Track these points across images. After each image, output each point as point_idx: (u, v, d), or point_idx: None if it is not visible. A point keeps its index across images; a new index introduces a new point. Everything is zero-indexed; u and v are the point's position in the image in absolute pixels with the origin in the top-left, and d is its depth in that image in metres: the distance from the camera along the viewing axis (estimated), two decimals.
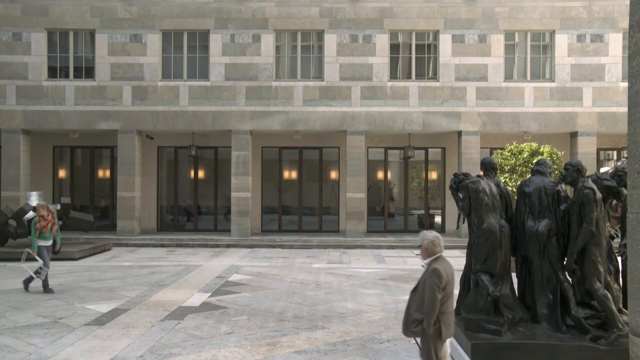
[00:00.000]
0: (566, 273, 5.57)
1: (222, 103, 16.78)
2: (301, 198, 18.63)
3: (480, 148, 16.80)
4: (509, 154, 12.95)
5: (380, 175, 18.88)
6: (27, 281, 9.33)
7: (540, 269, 5.65)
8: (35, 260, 9.61)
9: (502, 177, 12.47)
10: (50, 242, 9.47)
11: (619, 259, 5.69)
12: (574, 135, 16.85)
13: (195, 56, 17.08)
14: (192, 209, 18.92)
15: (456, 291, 7.05)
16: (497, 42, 16.66)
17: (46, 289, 9.23)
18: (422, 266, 4.32)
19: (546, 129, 16.63)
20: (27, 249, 9.45)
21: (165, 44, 17.06)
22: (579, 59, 16.57)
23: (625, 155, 16.57)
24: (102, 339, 6.44)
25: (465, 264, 6.20)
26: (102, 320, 7.33)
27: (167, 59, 17.05)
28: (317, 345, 6.25)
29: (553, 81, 16.66)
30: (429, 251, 4.24)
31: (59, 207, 14.31)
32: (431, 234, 4.28)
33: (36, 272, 9.35)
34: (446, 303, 4.17)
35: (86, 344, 6.25)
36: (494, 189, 5.97)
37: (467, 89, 16.65)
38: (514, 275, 5.97)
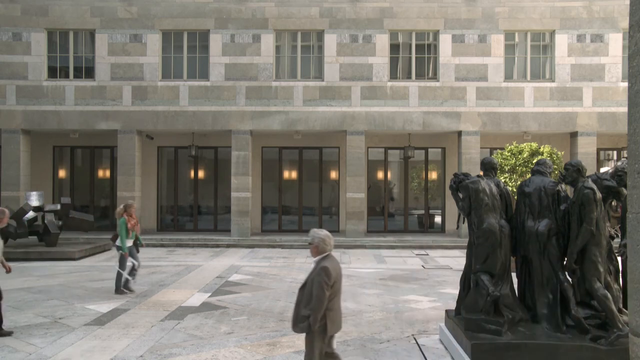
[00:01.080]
0: (566, 273, 5.58)
1: (222, 103, 16.78)
2: (301, 198, 18.63)
3: (480, 148, 16.80)
4: (509, 154, 12.95)
5: (380, 175, 18.88)
6: (126, 284, 9.24)
7: (540, 269, 5.65)
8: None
9: (502, 177, 12.46)
10: (132, 241, 9.43)
11: (619, 259, 5.69)
12: (574, 135, 16.85)
13: (195, 56, 17.08)
14: (193, 205, 18.93)
15: (456, 291, 7.07)
16: (497, 42, 16.66)
17: (119, 290, 9.14)
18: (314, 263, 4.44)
19: (546, 129, 16.62)
20: (121, 252, 9.20)
21: (165, 44, 17.05)
22: (579, 59, 16.57)
23: (625, 155, 16.57)
24: (102, 339, 6.44)
25: (465, 264, 6.20)
26: (102, 320, 7.33)
27: (167, 59, 17.05)
28: None
29: (553, 81, 16.66)
30: (319, 249, 4.36)
31: (58, 207, 14.31)
32: (322, 232, 4.39)
33: (130, 274, 9.27)
34: (333, 300, 4.30)
35: (86, 344, 6.25)
36: (494, 189, 5.97)
37: (467, 89, 16.65)
38: (514, 275, 5.97)
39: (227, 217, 18.17)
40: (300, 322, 4.31)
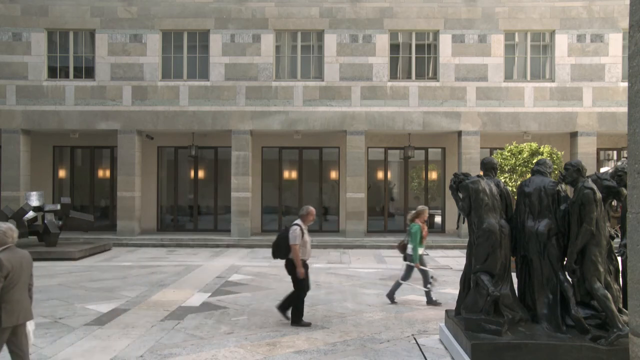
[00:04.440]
0: (566, 273, 5.57)
1: (222, 103, 16.78)
2: (301, 198, 18.62)
3: (480, 148, 16.79)
4: (509, 154, 12.95)
5: (380, 175, 18.88)
6: (429, 296, 8.36)
7: (540, 269, 5.65)
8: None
9: (502, 177, 12.46)
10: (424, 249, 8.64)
11: (619, 259, 5.69)
12: (574, 135, 16.85)
13: (195, 56, 17.07)
14: (193, 205, 18.93)
15: (456, 291, 7.07)
16: (497, 42, 16.66)
17: (433, 301, 8.30)
18: None
19: (546, 129, 16.62)
20: (408, 263, 8.41)
21: (165, 44, 17.05)
22: (579, 59, 16.57)
23: (625, 155, 16.57)
24: (102, 339, 6.44)
25: (465, 264, 6.20)
26: (102, 320, 7.33)
27: (167, 59, 17.04)
28: (317, 345, 6.25)
29: (553, 81, 16.66)
30: (0, 242, 4.50)
31: (58, 207, 14.31)
32: (4, 225, 4.56)
33: (428, 283, 8.41)
34: (10, 292, 4.42)
35: (86, 344, 6.25)
36: (494, 189, 5.97)
37: (467, 89, 16.65)
38: (514, 275, 5.97)
39: (227, 217, 18.17)
40: None
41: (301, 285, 7.19)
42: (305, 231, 7.22)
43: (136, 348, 6.08)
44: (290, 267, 7.20)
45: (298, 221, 7.27)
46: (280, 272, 11.53)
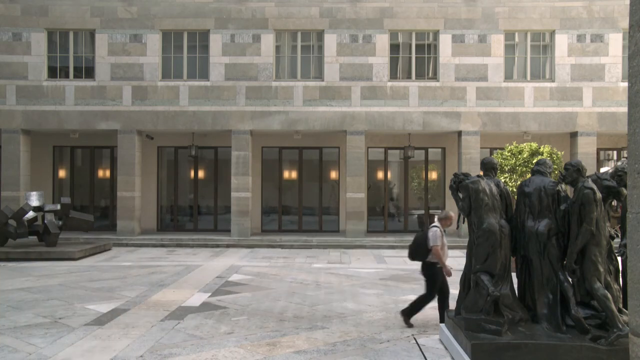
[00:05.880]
0: (566, 273, 5.58)
1: (222, 103, 16.78)
2: (301, 198, 18.63)
3: (480, 148, 16.80)
4: (509, 154, 12.95)
5: (380, 175, 18.88)
6: None
7: (540, 269, 5.65)
8: None
9: (502, 177, 12.46)
10: None
11: (619, 259, 5.69)
12: (574, 135, 16.85)
13: (195, 56, 17.08)
14: (193, 205, 18.93)
15: (456, 291, 7.07)
16: (497, 42, 16.66)
17: None
18: None
19: (546, 129, 16.62)
20: None
21: (165, 44, 17.05)
22: (579, 59, 16.57)
23: (625, 155, 16.58)
24: (102, 339, 6.44)
25: (465, 264, 6.20)
26: (102, 320, 7.33)
27: (167, 59, 17.04)
28: (317, 345, 6.25)
29: (553, 81, 16.66)
30: None
31: (58, 207, 14.31)
32: None
33: None
34: None
35: (86, 344, 6.24)
36: (494, 189, 5.97)
37: (467, 89, 16.65)
38: (514, 275, 5.97)
39: (227, 217, 18.17)
40: None
41: (434, 288, 7.07)
42: (444, 234, 7.16)
43: (136, 348, 6.08)
44: (427, 270, 7.10)
45: (437, 223, 7.20)
46: (281, 272, 11.55)
